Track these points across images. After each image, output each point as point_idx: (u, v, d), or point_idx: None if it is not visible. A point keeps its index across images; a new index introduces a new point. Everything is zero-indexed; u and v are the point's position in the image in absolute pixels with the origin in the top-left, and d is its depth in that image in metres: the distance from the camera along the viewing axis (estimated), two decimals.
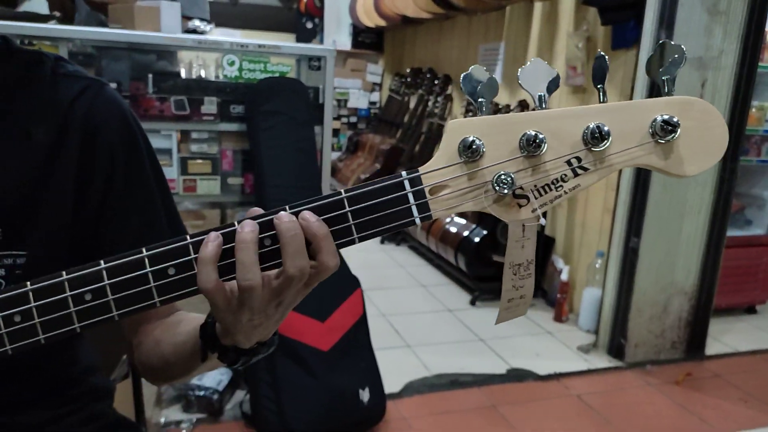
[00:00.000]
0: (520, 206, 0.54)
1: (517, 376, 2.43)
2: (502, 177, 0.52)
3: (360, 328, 1.97)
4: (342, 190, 0.53)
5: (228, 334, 0.58)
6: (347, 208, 0.53)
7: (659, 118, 0.52)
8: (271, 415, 1.80)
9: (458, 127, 0.53)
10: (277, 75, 2.09)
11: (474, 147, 0.52)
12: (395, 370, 2.31)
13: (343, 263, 2.03)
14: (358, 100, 5.70)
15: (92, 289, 0.53)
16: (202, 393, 1.94)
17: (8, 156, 0.65)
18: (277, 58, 2.13)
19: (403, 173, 0.54)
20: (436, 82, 4.45)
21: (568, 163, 0.53)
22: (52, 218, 0.68)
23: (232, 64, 2.02)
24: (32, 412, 0.73)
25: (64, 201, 0.68)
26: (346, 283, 1.98)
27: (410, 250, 4.08)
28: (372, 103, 5.78)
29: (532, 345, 2.72)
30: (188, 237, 0.53)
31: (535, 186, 0.53)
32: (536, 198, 0.54)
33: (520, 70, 0.54)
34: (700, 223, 2.57)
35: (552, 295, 3.15)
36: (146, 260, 0.53)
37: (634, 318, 2.60)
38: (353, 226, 0.53)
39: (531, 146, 0.52)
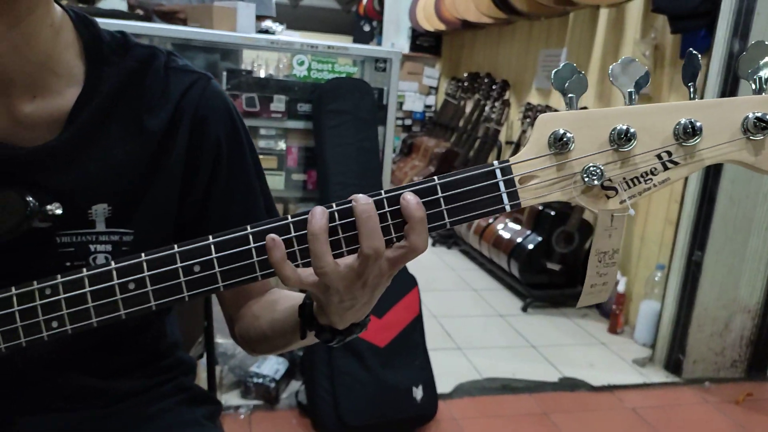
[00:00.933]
0: (608, 197, 0.56)
1: (569, 385, 2.40)
2: (591, 169, 0.54)
3: (415, 327, 2.00)
4: (435, 177, 0.56)
5: (323, 314, 0.62)
6: (440, 194, 0.56)
7: (751, 115, 0.53)
8: (326, 406, 1.84)
9: (549, 121, 0.56)
10: (343, 75, 2.14)
11: (564, 139, 0.55)
12: (446, 371, 2.32)
13: None
14: (414, 103, 5.74)
15: (201, 261, 0.58)
16: (260, 380, 2.00)
17: (123, 142, 0.69)
18: (344, 59, 2.18)
19: (495, 162, 0.57)
20: (493, 87, 4.43)
21: (659, 156, 0.55)
22: (160, 201, 0.72)
23: (301, 63, 2.08)
24: (127, 379, 0.79)
25: (173, 186, 0.72)
26: (403, 282, 2.01)
27: (461, 253, 4.08)
28: (427, 107, 5.81)
29: (586, 355, 2.68)
30: (290, 217, 0.57)
31: (624, 178, 0.55)
32: (625, 190, 0.55)
33: (611, 67, 0.56)
34: (767, 239, 2.49)
35: (607, 306, 3.09)
36: (250, 237, 0.57)
37: (693, 334, 2.53)
38: (445, 211, 0.56)
39: (621, 140, 0.54)
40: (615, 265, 0.60)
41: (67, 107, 0.67)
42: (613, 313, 2.93)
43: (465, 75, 4.96)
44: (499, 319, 3.02)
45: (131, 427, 0.78)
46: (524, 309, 3.13)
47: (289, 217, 0.57)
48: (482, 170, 0.56)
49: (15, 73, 0.63)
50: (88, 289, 0.58)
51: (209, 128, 0.73)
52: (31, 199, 0.63)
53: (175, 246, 0.58)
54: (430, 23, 5.05)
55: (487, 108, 4.42)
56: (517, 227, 3.37)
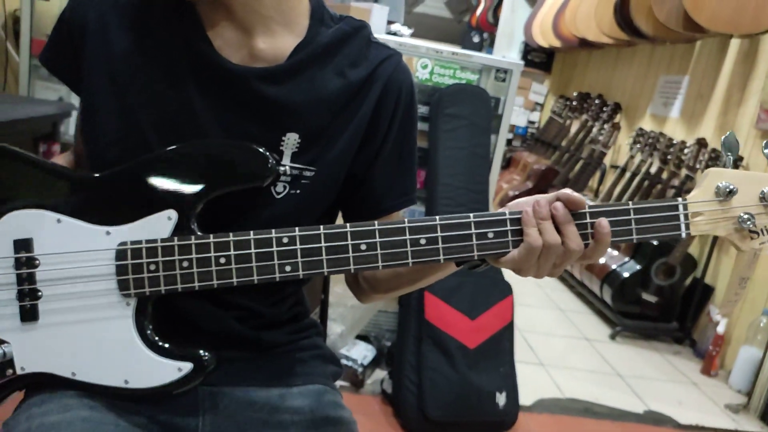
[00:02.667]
0: (752, 238, 0.72)
1: (655, 419, 2.33)
2: (745, 216, 0.71)
3: (505, 334, 2.02)
4: (630, 202, 0.72)
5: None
6: (632, 216, 0.71)
7: None
8: (410, 396, 1.90)
9: (717, 174, 0.72)
10: (464, 82, 2.20)
11: (729, 190, 0.71)
12: (527, 384, 2.32)
13: (498, 269, 2.09)
14: (518, 117, 5.70)
15: (426, 236, 0.71)
16: (349, 363, 2.10)
17: (327, 85, 0.80)
18: (466, 67, 2.24)
19: (679, 199, 0.72)
20: (604, 108, 4.34)
21: None
22: (343, 146, 0.82)
23: (425, 67, 2.16)
24: (274, 332, 0.89)
25: (356, 135, 0.82)
26: (499, 288, 2.04)
27: None
28: (531, 122, 5.76)
29: (675, 392, 2.59)
30: (507, 213, 0.71)
31: (765, 226, 0.72)
32: (764, 234, 0.72)
33: (765, 142, 0.70)
34: None
35: (702, 346, 2.97)
36: (472, 224, 0.71)
37: None
38: (634, 230, 0.72)
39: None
40: (744, 289, 0.76)
41: (288, 49, 0.80)
42: (709, 354, 2.81)
43: (574, 94, 4.89)
44: (584, 342, 2.97)
45: (275, 371, 0.88)
46: (612, 337, 3.05)
47: (507, 213, 0.72)
48: (668, 203, 0.72)
49: (259, 19, 0.77)
50: (323, 244, 0.70)
51: (395, 96, 0.84)
52: (272, 161, 0.74)
53: (406, 220, 0.71)
54: (545, 39, 5.02)
55: (594, 129, 4.34)
56: (614, 252, 3.30)
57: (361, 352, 2.15)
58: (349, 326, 2.23)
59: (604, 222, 0.70)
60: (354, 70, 0.82)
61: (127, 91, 0.78)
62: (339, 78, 0.81)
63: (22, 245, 0.73)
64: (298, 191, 0.81)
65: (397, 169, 0.88)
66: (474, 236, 0.71)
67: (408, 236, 0.70)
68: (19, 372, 0.74)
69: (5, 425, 0.76)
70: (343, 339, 2.20)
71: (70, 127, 2.01)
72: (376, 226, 0.70)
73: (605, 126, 4.21)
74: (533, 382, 2.40)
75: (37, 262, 0.73)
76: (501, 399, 1.94)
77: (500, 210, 0.73)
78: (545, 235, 0.70)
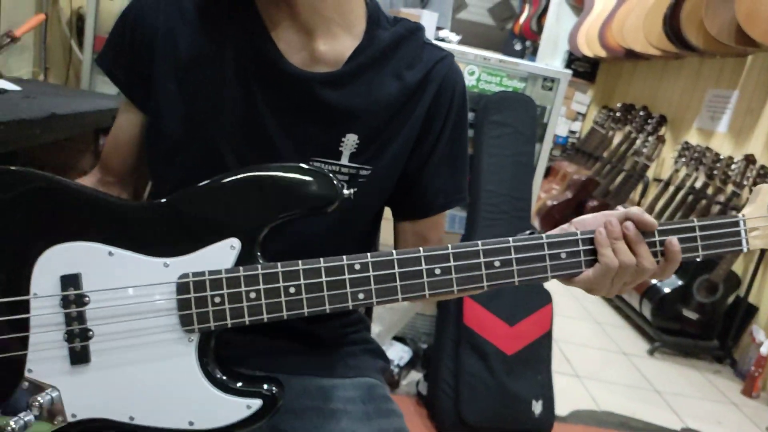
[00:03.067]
0: None
1: None
2: None
3: (543, 343, 2.02)
4: (694, 219, 0.73)
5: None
6: (697, 233, 0.73)
7: None
8: (446, 399, 1.92)
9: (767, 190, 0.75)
10: (510, 90, 2.21)
11: None
12: (562, 395, 2.31)
13: None
14: (559, 126, 5.66)
15: (500, 258, 0.71)
16: None
17: (385, 87, 0.83)
18: (513, 74, 2.25)
19: (740, 215, 0.74)
20: (649, 121, 4.28)
21: None
22: (399, 146, 0.84)
23: (472, 74, 2.18)
24: (326, 325, 0.92)
25: (412, 135, 0.85)
26: (539, 296, 2.04)
27: None
28: (572, 132, 5.70)
29: (714, 411, 2.54)
30: (578, 233, 0.72)
31: None
32: None
33: None
34: None
35: (743, 366, 2.90)
36: (545, 245, 0.71)
37: None
38: (700, 246, 0.73)
39: None
40: None
41: (347, 52, 0.82)
42: (751, 375, 2.74)
43: (618, 105, 4.82)
44: (621, 356, 2.93)
45: (327, 363, 0.91)
46: (651, 352, 3.01)
47: (578, 233, 0.72)
48: (730, 219, 0.74)
49: (321, 21, 0.79)
50: (396, 270, 0.69)
51: (449, 96, 0.86)
52: (338, 184, 0.71)
53: (479, 243, 0.70)
54: (590, 48, 4.97)
55: (638, 141, 4.28)
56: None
57: (397, 353, 2.18)
58: (386, 327, 2.26)
59: (674, 240, 0.71)
60: (410, 72, 0.84)
61: (195, 97, 0.80)
62: (396, 80, 0.83)
63: (70, 281, 0.67)
64: (355, 189, 0.82)
65: (449, 168, 0.89)
66: (547, 257, 0.71)
67: (482, 259, 0.70)
68: (69, 419, 0.69)
69: None
70: (380, 339, 2.22)
71: None
72: (450, 250, 0.69)
73: (649, 138, 4.15)
74: (568, 393, 2.39)
75: (87, 299, 0.68)
76: (537, 407, 1.93)
77: (570, 230, 0.74)
78: (620, 255, 0.70)
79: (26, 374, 0.68)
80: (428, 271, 0.69)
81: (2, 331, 0.68)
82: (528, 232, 0.76)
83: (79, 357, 0.68)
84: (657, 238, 0.71)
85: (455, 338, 1.98)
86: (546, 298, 2.05)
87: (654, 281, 3.15)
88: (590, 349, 2.96)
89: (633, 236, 0.70)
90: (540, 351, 2.00)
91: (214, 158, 0.80)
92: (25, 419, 0.66)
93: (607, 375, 2.69)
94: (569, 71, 2.20)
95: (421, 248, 0.69)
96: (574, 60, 5.64)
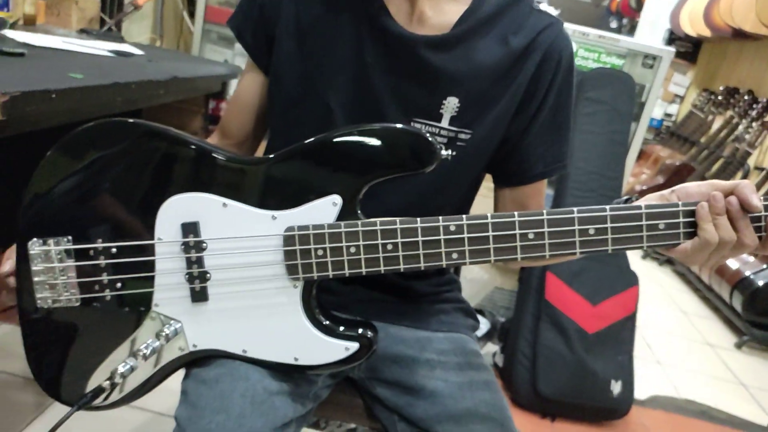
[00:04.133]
0: None
1: None
2: None
3: (627, 325, 2.00)
4: None
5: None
6: None
7: None
8: (523, 371, 1.95)
9: None
10: (608, 66, 2.16)
11: None
12: (642, 380, 2.29)
13: (625, 258, 2.07)
14: (654, 109, 5.42)
15: (596, 227, 0.70)
16: None
17: (490, 51, 0.84)
18: (612, 51, 2.20)
19: None
20: (754, 106, 4.04)
21: None
22: (500, 111, 0.85)
23: None
24: (422, 282, 0.97)
25: (514, 100, 0.85)
26: (625, 277, 2.02)
27: (674, 273, 3.85)
28: (667, 115, 5.45)
29: None
30: (680, 205, 0.70)
31: None
32: None
33: None
34: None
35: None
36: (643, 216, 0.70)
37: None
38: None
39: None
40: None
41: (454, 17, 0.83)
42: None
43: (721, 88, 4.57)
44: (706, 347, 2.84)
45: (422, 317, 0.96)
46: (739, 346, 2.90)
47: (680, 204, 0.70)
48: None
49: None
50: (491, 233, 0.70)
51: (554, 63, 0.85)
52: (438, 149, 0.73)
53: (575, 210, 0.70)
54: (693, 27, 4.71)
55: (740, 127, 4.05)
56: (750, 259, 3.10)
57: None
58: (466, 299, 2.30)
59: None
60: (515, 38, 0.84)
61: (311, 56, 0.85)
62: (501, 46, 0.84)
63: (190, 229, 0.74)
64: (453, 153, 0.85)
65: (551, 136, 0.89)
66: (645, 227, 0.70)
67: (577, 226, 0.69)
68: (191, 349, 0.77)
69: (191, 375, 0.80)
70: None
71: (230, 89, 2.23)
72: (545, 216, 0.70)
73: (753, 124, 3.92)
74: (648, 378, 2.36)
75: (205, 245, 0.74)
76: (616, 387, 1.93)
77: (671, 198, 0.73)
78: (721, 230, 0.69)
79: (153, 308, 0.77)
80: (521, 235, 0.70)
81: (132, 270, 0.77)
82: (624, 199, 0.77)
83: (199, 296, 0.75)
84: (763, 213, 0.70)
85: (535, 313, 2.00)
86: (632, 280, 2.03)
87: (747, 273, 3.01)
88: (673, 337, 2.89)
89: (735, 212, 0.69)
90: (622, 332, 1.99)
91: (325, 114, 0.85)
92: (154, 346, 0.76)
93: (690, 364, 2.62)
94: (672, 49, 2.13)
95: (516, 212, 0.70)
96: (674, 39, 5.36)
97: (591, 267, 2.00)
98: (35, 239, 0.76)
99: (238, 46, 2.34)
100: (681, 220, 0.70)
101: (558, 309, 1.95)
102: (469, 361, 0.93)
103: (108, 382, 0.74)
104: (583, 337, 1.94)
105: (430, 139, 0.73)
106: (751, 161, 3.93)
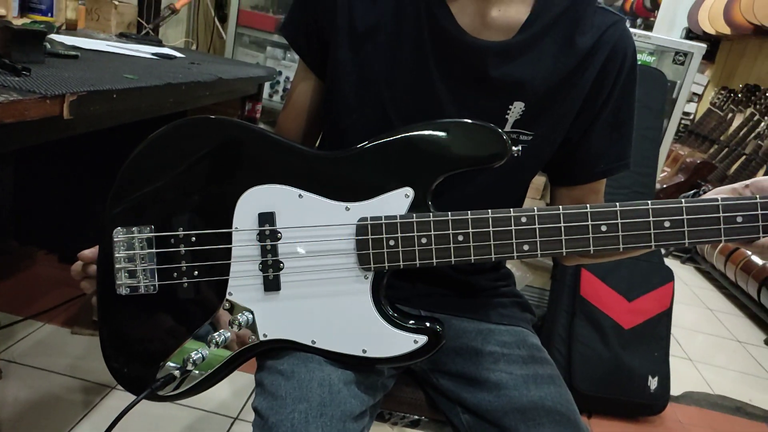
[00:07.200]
0: None
1: None
2: None
3: (662, 321, 2.01)
4: None
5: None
6: None
7: None
8: (558, 368, 1.95)
9: None
10: (639, 63, 2.17)
11: None
12: (674, 376, 2.27)
13: (659, 254, 2.07)
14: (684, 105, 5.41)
15: (671, 218, 0.68)
16: None
17: (555, 53, 0.83)
18: (642, 48, 2.21)
19: None
20: None
21: None
22: (563, 112, 0.84)
23: None
24: (480, 277, 0.98)
25: (577, 100, 0.84)
26: (660, 273, 2.03)
27: (696, 271, 3.84)
28: (685, 114, 5.43)
29: None
30: (758, 198, 0.68)
31: None
32: None
33: None
34: None
35: None
36: (720, 207, 0.68)
37: None
38: None
39: None
40: None
41: (520, 19, 0.81)
42: None
43: (741, 86, 4.55)
44: (736, 344, 2.83)
45: (481, 310, 0.97)
46: None
47: (758, 197, 0.68)
48: None
49: None
50: (562, 224, 0.70)
51: (619, 61, 0.84)
52: (510, 143, 0.74)
53: (649, 203, 0.68)
54: (712, 25, 4.70)
55: (762, 124, 4.04)
56: None
57: None
58: None
59: None
60: (582, 38, 0.83)
61: (367, 63, 0.83)
62: (567, 46, 0.83)
63: (266, 219, 0.76)
64: (514, 155, 0.84)
65: (613, 134, 0.88)
66: (722, 220, 0.68)
67: (651, 218, 0.68)
68: (261, 338, 0.78)
69: (265, 366, 0.82)
70: None
71: (265, 91, 2.26)
72: (618, 208, 0.69)
73: None
74: (680, 375, 2.35)
75: (280, 235, 0.76)
76: (653, 383, 1.94)
77: (745, 193, 0.71)
78: None
79: (227, 296, 0.79)
80: (594, 227, 0.69)
81: (209, 258, 0.79)
82: (692, 192, 0.77)
83: (272, 285, 0.77)
84: None
85: (570, 309, 2.01)
86: (668, 276, 2.03)
87: None
88: (701, 334, 2.88)
89: None
90: (658, 328, 1.99)
91: (383, 122, 0.84)
92: (226, 335, 0.78)
93: (721, 360, 2.61)
94: (703, 45, 2.14)
95: (588, 204, 0.70)
96: (692, 37, 5.34)
97: (625, 263, 2.00)
98: (119, 228, 0.79)
99: (270, 49, 2.37)
100: (759, 212, 0.68)
101: (593, 305, 1.95)
102: (532, 355, 0.93)
103: (179, 370, 0.76)
104: (619, 333, 1.94)
105: (502, 134, 0.74)
106: None
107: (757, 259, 3.16)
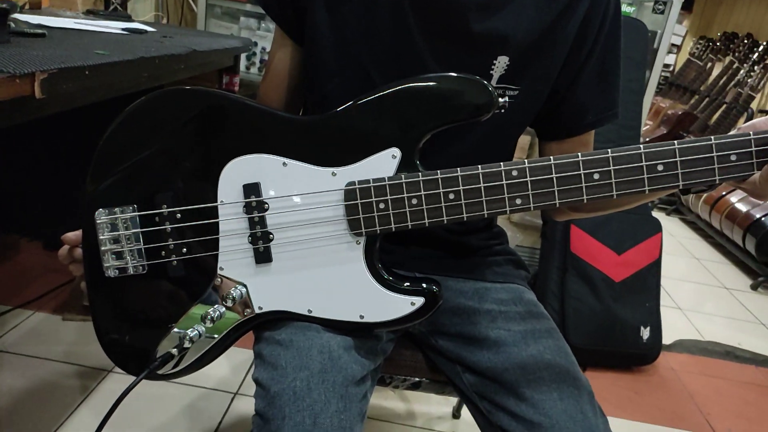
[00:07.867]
0: None
1: None
2: None
3: (652, 271, 2.03)
4: None
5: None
6: None
7: None
8: None
9: None
10: None
11: None
12: (665, 326, 2.31)
13: (647, 206, 2.09)
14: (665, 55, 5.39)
15: (664, 161, 0.67)
16: None
17: (536, 5, 0.81)
18: None
19: None
20: (754, 49, 4.03)
21: None
22: (549, 63, 0.83)
23: None
24: (473, 236, 0.98)
25: (562, 50, 0.83)
26: (648, 225, 2.04)
27: (682, 222, 3.88)
28: (665, 66, 5.42)
29: None
30: (751, 134, 0.66)
31: None
32: None
33: None
34: None
35: None
36: (713, 146, 0.66)
37: None
38: None
39: None
40: None
41: None
42: None
43: (719, 35, 4.55)
44: (723, 291, 2.88)
45: (476, 269, 0.97)
46: (755, 287, 2.94)
47: (751, 134, 0.66)
48: None
49: None
50: (554, 175, 0.68)
51: (603, 10, 0.83)
52: (496, 94, 0.72)
53: (641, 147, 0.67)
54: None
55: (742, 72, 4.05)
56: (759, 201, 3.13)
57: None
58: None
59: None
60: None
61: (344, 24, 0.81)
62: None
63: (252, 190, 0.74)
64: (501, 111, 0.83)
65: (600, 84, 0.86)
66: (716, 159, 0.66)
67: (644, 162, 0.67)
68: (257, 311, 0.78)
69: (263, 338, 0.81)
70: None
71: (241, 63, 2.21)
72: (610, 154, 0.67)
73: (755, 68, 3.91)
74: (671, 324, 2.39)
75: (267, 205, 0.75)
76: (645, 333, 1.97)
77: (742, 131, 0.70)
78: None
79: (218, 272, 0.78)
80: (586, 175, 0.68)
81: (197, 234, 0.77)
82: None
83: (263, 257, 0.76)
84: None
85: (561, 266, 2.02)
86: (655, 227, 2.04)
87: (759, 215, 3.04)
88: (689, 283, 2.93)
89: None
90: (648, 279, 2.02)
91: (366, 84, 0.82)
92: (220, 310, 0.77)
93: (709, 308, 2.66)
94: None
95: (579, 153, 0.68)
96: None
97: (614, 217, 2.01)
98: (101, 209, 0.76)
99: (243, 19, 2.31)
100: (753, 149, 0.67)
101: (584, 260, 1.96)
102: (529, 310, 0.93)
103: (176, 348, 0.75)
104: (610, 285, 1.96)
105: (487, 85, 0.71)
106: (754, 105, 3.94)
107: (741, 207, 3.20)
